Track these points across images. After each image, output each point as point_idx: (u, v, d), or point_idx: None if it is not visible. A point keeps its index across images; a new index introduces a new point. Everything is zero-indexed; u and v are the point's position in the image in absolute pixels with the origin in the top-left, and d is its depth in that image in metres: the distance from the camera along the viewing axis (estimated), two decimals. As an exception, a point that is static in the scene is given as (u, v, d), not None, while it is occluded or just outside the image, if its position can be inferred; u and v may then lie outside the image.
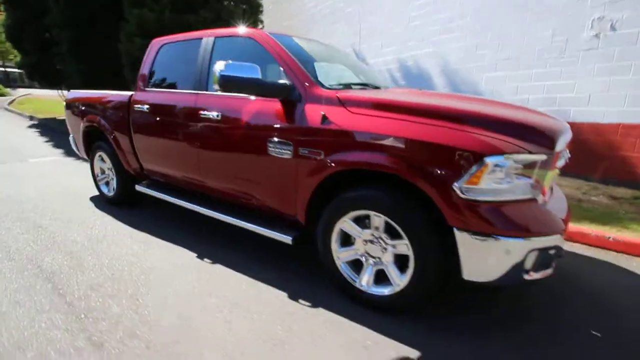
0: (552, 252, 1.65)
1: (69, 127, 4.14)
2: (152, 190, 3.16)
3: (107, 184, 3.85)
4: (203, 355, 1.61)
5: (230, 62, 1.98)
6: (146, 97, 3.00)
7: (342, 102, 1.91)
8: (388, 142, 1.70)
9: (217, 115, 2.42)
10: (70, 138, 4.22)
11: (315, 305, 2.00)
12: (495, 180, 1.55)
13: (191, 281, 2.25)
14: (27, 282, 2.20)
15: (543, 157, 1.61)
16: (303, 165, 2.01)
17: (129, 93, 3.26)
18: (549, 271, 1.70)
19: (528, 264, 1.61)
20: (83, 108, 3.75)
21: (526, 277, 1.63)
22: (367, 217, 1.89)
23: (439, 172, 1.58)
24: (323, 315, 1.92)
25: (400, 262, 1.86)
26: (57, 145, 7.66)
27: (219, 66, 1.96)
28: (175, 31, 7.62)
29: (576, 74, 4.48)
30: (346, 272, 2.03)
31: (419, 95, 2.21)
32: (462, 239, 1.60)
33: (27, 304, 1.97)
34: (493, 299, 2.10)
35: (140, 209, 3.61)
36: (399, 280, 1.83)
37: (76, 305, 1.97)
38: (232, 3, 8.33)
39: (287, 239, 2.20)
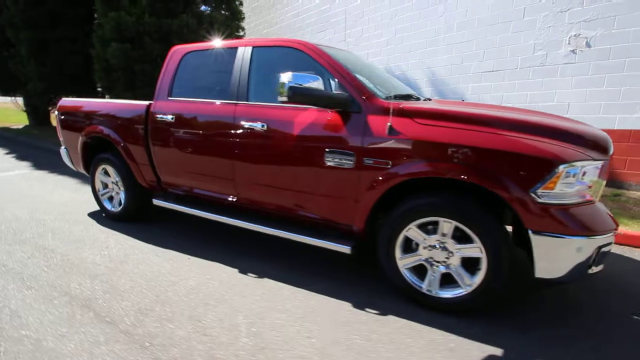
0: (608, 248, 1.82)
1: (61, 138, 3.80)
2: (175, 204, 2.99)
3: (110, 199, 3.58)
4: (297, 373, 1.56)
5: (295, 73, 1.96)
6: (170, 107, 2.85)
7: (408, 114, 1.98)
8: (462, 151, 1.79)
9: (263, 126, 2.37)
10: (62, 150, 3.87)
11: (384, 313, 2.02)
12: (566, 185, 1.69)
13: (247, 297, 2.17)
14: (62, 312, 1.99)
15: (601, 163, 1.78)
16: (367, 175, 2.03)
17: (145, 103, 3.08)
18: (602, 266, 1.88)
19: (592, 260, 1.76)
20: (84, 118, 3.47)
21: (589, 272, 1.79)
22: (432, 223, 1.96)
23: (517, 179, 1.70)
24: (396, 322, 1.94)
25: (466, 265, 1.95)
26: (21, 157, 6.96)
27: (287, 77, 1.94)
28: (155, 36, 7.43)
29: (556, 85, 4.95)
30: (410, 278, 2.07)
31: (472, 107, 2.33)
32: (538, 240, 1.72)
33: (76, 337, 1.78)
34: (538, 294, 2.26)
35: (148, 224, 3.40)
36: (469, 282, 1.91)
37: (134, 333, 1.82)
38: (213, 9, 8.13)
39: (345, 249, 2.20)
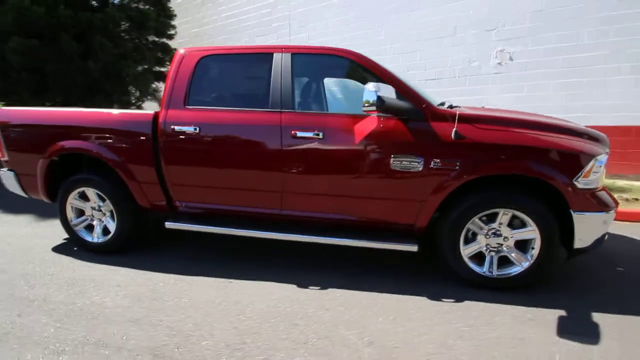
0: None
1: (5, 158, 2.96)
2: (196, 225, 2.67)
3: (88, 228, 2.96)
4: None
5: (376, 83, 2.01)
6: (191, 117, 2.53)
7: (468, 120, 2.22)
8: (522, 151, 2.12)
9: (319, 135, 2.33)
10: (4, 173, 3.02)
11: (459, 299, 2.22)
12: (595, 175, 2.16)
13: (330, 310, 2.11)
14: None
15: (607, 156, 2.32)
16: (434, 177, 2.21)
17: (149, 112, 2.66)
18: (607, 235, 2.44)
19: (607, 230, 2.29)
20: (48, 132, 2.79)
21: (605, 239, 2.31)
22: (490, 214, 2.25)
23: (565, 171, 2.10)
24: (475, 305, 2.16)
25: (519, 246, 2.30)
26: None
27: (374, 87, 1.97)
28: (72, 31, 6.26)
29: (488, 92, 5.95)
30: (472, 265, 2.33)
31: (504, 112, 2.67)
32: (579, 218, 2.15)
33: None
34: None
35: (142, 252, 2.96)
36: (525, 261, 2.26)
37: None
38: (142, 4, 7.23)
39: (413, 248, 2.34)
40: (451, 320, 2.01)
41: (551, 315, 2.06)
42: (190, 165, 2.58)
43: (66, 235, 3.12)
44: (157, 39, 7.80)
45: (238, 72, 2.61)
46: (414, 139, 2.22)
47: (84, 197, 2.90)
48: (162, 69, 8.12)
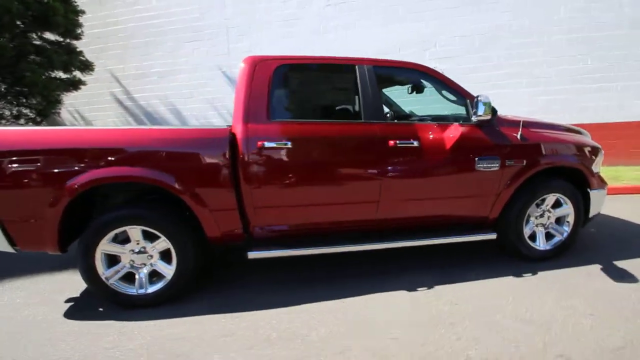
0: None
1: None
2: (285, 250, 2.42)
3: (126, 278, 2.32)
4: None
5: (483, 94, 2.27)
6: (280, 131, 2.29)
7: (525, 125, 2.71)
8: (564, 148, 2.74)
9: (414, 143, 2.46)
10: None
11: (534, 272, 2.68)
12: (600, 161, 2.95)
13: (465, 305, 2.27)
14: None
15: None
16: (508, 173, 2.63)
17: (221, 128, 2.28)
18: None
19: (602, 202, 3.14)
20: (76, 156, 2.08)
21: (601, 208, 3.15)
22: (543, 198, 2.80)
23: (587, 160, 2.80)
24: (549, 275, 2.63)
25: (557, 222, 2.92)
26: None
27: (485, 97, 2.22)
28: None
29: (427, 101, 6.95)
30: (529, 242, 2.83)
31: (534, 119, 3.25)
32: (593, 194, 2.89)
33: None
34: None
35: (205, 292, 2.55)
36: (564, 232, 2.88)
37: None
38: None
39: (492, 236, 2.71)
40: (554, 293, 2.39)
41: (595, 268, 2.71)
42: (280, 184, 2.34)
43: (64, 297, 2.43)
44: (61, 39, 6.30)
45: (318, 82, 2.50)
46: (493, 143, 2.60)
47: (124, 240, 2.27)
48: (68, 76, 6.60)
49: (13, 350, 1.95)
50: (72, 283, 2.79)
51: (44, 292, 2.67)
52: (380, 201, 2.51)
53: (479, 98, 2.36)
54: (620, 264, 2.78)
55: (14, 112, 5.50)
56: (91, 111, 8.59)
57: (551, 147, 2.73)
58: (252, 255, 2.38)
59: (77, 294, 2.60)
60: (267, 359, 1.83)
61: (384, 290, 2.47)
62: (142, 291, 2.32)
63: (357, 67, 2.51)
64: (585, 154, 2.84)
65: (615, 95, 6.31)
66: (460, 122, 2.60)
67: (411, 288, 2.50)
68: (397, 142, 2.45)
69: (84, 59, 6.77)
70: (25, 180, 2.08)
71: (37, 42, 5.87)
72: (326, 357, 1.81)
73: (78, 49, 6.68)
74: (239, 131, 2.28)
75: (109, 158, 2.12)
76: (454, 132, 2.56)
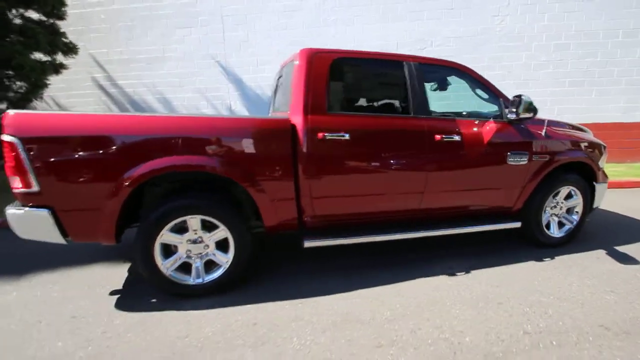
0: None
1: (32, 189, 1.93)
2: (336, 239, 2.50)
3: (182, 268, 2.30)
4: None
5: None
6: (340, 123, 2.35)
7: (548, 123, 2.97)
8: (579, 145, 3.04)
9: (456, 138, 2.63)
10: (32, 213, 1.97)
11: (552, 257, 2.97)
12: (605, 158, 3.30)
13: (498, 288, 2.49)
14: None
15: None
16: (534, 167, 2.88)
17: (282, 118, 2.30)
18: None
19: (602, 194, 3.51)
20: (142, 144, 2.02)
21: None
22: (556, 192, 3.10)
23: (595, 156, 3.13)
24: (567, 258, 2.95)
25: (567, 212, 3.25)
26: None
27: (527, 97, 2.42)
28: None
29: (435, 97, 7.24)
30: (546, 230, 3.13)
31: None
32: (598, 187, 3.24)
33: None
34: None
35: (262, 280, 2.59)
36: (573, 221, 3.21)
37: None
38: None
39: (517, 225, 2.96)
40: (567, 270, 2.73)
41: (601, 253, 3.06)
42: (336, 175, 2.41)
43: (105, 290, 2.43)
44: (45, 19, 5.81)
45: (369, 77, 2.57)
46: (522, 139, 2.83)
47: (181, 229, 2.23)
48: (49, 59, 6.10)
49: (75, 346, 1.88)
50: (107, 276, 2.71)
51: (79, 285, 2.55)
52: (425, 192, 2.66)
53: (522, 98, 2.57)
54: (620, 248, 3.15)
55: (-6, 95, 5.01)
56: (69, 97, 8.00)
57: (569, 144, 3.03)
58: (308, 244, 2.44)
59: (118, 287, 2.53)
60: (345, 339, 1.92)
61: (429, 275, 2.64)
62: (199, 280, 2.31)
63: (404, 63, 2.63)
64: (594, 151, 3.17)
65: (594, 99, 6.95)
66: (491, 118, 2.80)
67: (451, 273, 2.69)
68: (443, 136, 2.60)
69: (67, 40, 6.29)
70: (86, 169, 1.99)
71: (18, 21, 5.38)
72: (401, 336, 1.94)
73: (61, 30, 6.19)
74: (298, 122, 2.32)
75: (174, 147, 2.08)
76: (489, 128, 2.76)
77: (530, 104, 2.58)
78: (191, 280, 2.30)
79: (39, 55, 5.98)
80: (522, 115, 2.62)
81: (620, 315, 2.15)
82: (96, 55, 7.79)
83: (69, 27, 7.15)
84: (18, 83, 5.22)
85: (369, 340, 1.91)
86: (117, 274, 2.75)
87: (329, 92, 2.41)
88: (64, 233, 2.06)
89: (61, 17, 6.08)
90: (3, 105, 5.26)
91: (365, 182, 2.50)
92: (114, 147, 2.01)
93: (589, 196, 3.21)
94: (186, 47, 7.59)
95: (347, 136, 2.38)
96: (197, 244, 2.29)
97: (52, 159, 1.95)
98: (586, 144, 3.13)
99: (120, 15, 7.61)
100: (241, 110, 7.72)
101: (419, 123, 2.58)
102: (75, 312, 2.18)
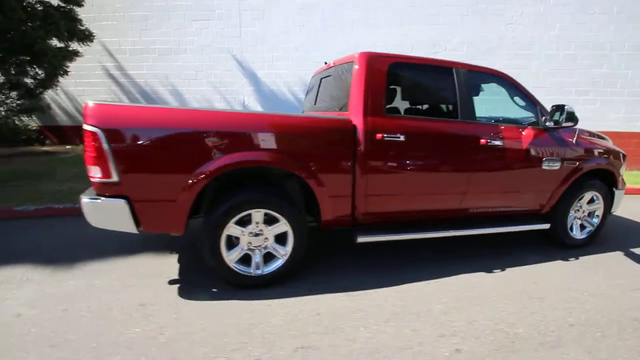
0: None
1: (111, 179, 1.99)
2: (387, 235, 2.63)
3: (243, 260, 2.39)
4: None
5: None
6: (396, 126, 2.47)
7: (578, 132, 3.15)
8: (603, 152, 3.23)
9: (501, 143, 2.78)
10: (97, 203, 2.02)
11: (577, 257, 3.17)
12: (624, 165, 3.51)
13: (570, 291, 2.66)
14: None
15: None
16: (564, 173, 3.06)
17: (343, 118, 2.41)
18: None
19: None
20: (217, 139, 2.10)
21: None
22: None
23: (618, 164, 3.34)
24: (591, 257, 3.15)
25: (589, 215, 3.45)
26: None
27: (570, 107, 2.59)
28: None
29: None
30: (571, 233, 3.33)
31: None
32: (617, 193, 3.45)
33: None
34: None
35: (315, 273, 2.71)
36: (593, 224, 3.41)
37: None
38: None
39: (545, 226, 3.15)
40: (592, 269, 2.93)
41: (619, 254, 3.28)
42: (390, 174, 2.53)
43: (162, 280, 2.49)
44: (63, 5, 5.73)
45: (422, 81, 2.69)
46: (556, 146, 3.01)
47: (245, 222, 2.32)
48: (64, 46, 6.02)
49: (153, 331, 1.96)
50: (157, 265, 2.77)
51: (134, 275, 2.60)
52: (467, 192, 2.81)
53: (565, 107, 2.74)
54: (635, 250, 3.38)
55: (13, 81, 4.93)
56: (77, 85, 7.88)
57: (596, 152, 3.23)
58: (361, 239, 2.57)
59: (173, 277, 2.59)
60: (410, 329, 2.05)
61: (468, 271, 2.79)
62: (258, 272, 2.40)
63: (454, 69, 2.76)
64: (617, 159, 3.38)
65: (598, 108, 7.26)
66: (524, 125, 2.97)
67: (488, 270, 2.85)
68: (488, 140, 2.75)
69: (83, 28, 6.22)
70: (164, 162, 2.06)
71: (39, 7, 5.30)
72: (460, 327, 2.08)
73: (78, 17, 6.12)
74: (358, 123, 2.42)
75: (249, 142, 2.17)
76: (527, 134, 2.92)
77: (573, 113, 2.75)
78: (252, 271, 2.39)
79: (53, 42, 5.92)
80: (564, 124, 2.79)
81: (651, 310, 2.35)
82: (108, 44, 7.69)
83: (81, 14, 7.07)
84: (38, 70, 5.14)
85: (431, 330, 2.05)
86: (166, 263, 2.81)
87: (386, 95, 2.52)
88: (137, 223, 2.12)
89: (79, 3, 6.01)
90: (19, 92, 5.18)
91: (414, 181, 2.64)
92: (193, 141, 2.09)
93: (609, 201, 3.42)
94: (202, 40, 7.57)
95: (402, 138, 2.50)
96: (257, 237, 2.38)
97: (133, 151, 2.01)
98: (609, 151, 3.34)
99: (136, 4, 7.52)
100: (255, 106, 7.76)
101: (466, 127, 2.72)
102: (143, 300, 2.25)
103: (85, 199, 2.07)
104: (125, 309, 2.15)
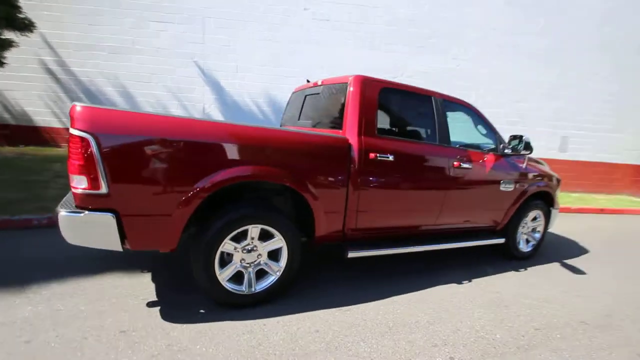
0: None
1: (100, 190, 1.79)
2: (373, 250, 2.73)
3: (235, 278, 2.30)
4: None
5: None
6: (386, 146, 2.61)
7: (526, 158, 3.63)
8: (546, 177, 3.77)
9: (470, 166, 3.10)
10: (79, 217, 1.80)
11: (518, 269, 3.61)
12: (559, 188, 4.12)
13: (527, 298, 2.97)
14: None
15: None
16: (516, 194, 3.50)
17: (340, 136, 2.48)
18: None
19: (550, 217, 4.34)
20: (219, 152, 2.02)
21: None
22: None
23: (556, 187, 3.92)
24: (534, 269, 3.61)
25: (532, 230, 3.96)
26: None
27: (527, 137, 2.99)
28: None
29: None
30: (520, 246, 3.78)
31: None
32: (553, 212, 4.03)
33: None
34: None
35: (310, 293, 2.71)
36: (535, 239, 3.93)
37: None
38: None
39: (500, 241, 3.54)
40: (541, 277, 3.36)
41: (556, 265, 3.81)
42: (380, 191, 2.66)
43: (138, 302, 2.32)
44: (-1, -13, 5.03)
45: (408, 106, 2.90)
46: (512, 170, 3.44)
47: (239, 237, 2.24)
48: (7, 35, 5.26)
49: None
50: (128, 286, 2.51)
51: (102, 297, 2.33)
52: (442, 210, 3.06)
53: (524, 137, 3.17)
54: (568, 261, 3.96)
55: None
56: (6, 79, 6.85)
57: (540, 176, 3.75)
58: (353, 254, 2.64)
59: (150, 298, 2.38)
60: (405, 341, 2.15)
61: (442, 283, 3.02)
62: (251, 290, 2.32)
63: (432, 98, 3.04)
64: (554, 182, 3.96)
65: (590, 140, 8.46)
66: (486, 150, 3.37)
67: (459, 281, 3.11)
68: (461, 163, 3.05)
69: (22, 16, 5.51)
70: (161, 173, 1.92)
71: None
72: (448, 336, 2.25)
73: (17, 3, 5.41)
74: (354, 142, 2.53)
75: (250, 156, 2.13)
76: (490, 159, 3.31)
77: (529, 143, 3.20)
78: (244, 289, 2.30)
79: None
80: (523, 152, 3.23)
81: (591, 312, 2.77)
82: (48, 35, 6.88)
83: (21, 1, 6.26)
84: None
85: (424, 341, 2.17)
86: (138, 283, 2.57)
87: (377, 116, 2.68)
88: (124, 238, 1.93)
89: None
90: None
91: (399, 199, 2.81)
92: (195, 152, 1.98)
93: (548, 218, 3.98)
94: (160, 42, 7.16)
95: (391, 157, 2.66)
96: (250, 253, 2.32)
97: (127, 160, 1.84)
98: (548, 175, 3.91)
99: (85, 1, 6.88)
100: (216, 115, 7.50)
101: (443, 150, 3.00)
102: (122, 327, 2.02)
103: (63, 213, 1.83)
104: (104, 338, 1.92)
